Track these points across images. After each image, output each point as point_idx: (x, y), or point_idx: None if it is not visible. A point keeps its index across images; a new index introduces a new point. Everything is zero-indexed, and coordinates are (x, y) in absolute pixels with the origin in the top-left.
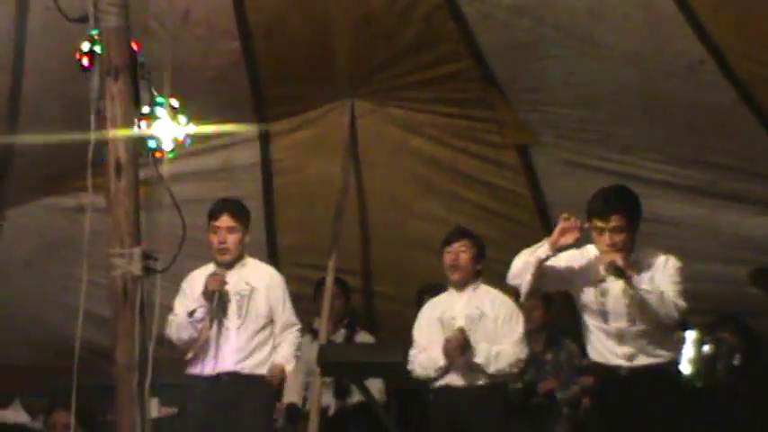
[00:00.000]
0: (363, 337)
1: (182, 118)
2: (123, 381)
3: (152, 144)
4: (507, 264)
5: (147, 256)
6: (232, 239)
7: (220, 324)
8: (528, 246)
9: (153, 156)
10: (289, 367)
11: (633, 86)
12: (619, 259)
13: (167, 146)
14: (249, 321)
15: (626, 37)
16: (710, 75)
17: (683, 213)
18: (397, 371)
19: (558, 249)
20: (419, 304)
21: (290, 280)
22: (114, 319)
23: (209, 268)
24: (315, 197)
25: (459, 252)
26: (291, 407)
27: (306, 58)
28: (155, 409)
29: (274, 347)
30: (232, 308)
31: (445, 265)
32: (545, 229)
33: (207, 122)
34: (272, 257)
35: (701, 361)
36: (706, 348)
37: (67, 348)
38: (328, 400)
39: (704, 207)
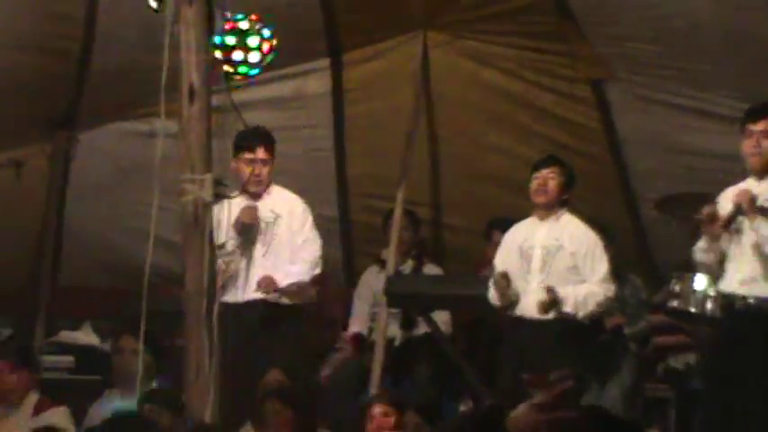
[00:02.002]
0: (431, 269)
1: (254, 40)
2: (192, 305)
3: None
4: (576, 197)
5: (217, 183)
6: (266, 171)
7: (249, 254)
8: (599, 180)
9: (226, 81)
10: (284, 283)
11: (710, 21)
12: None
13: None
14: (273, 248)
15: None
16: None
17: None
18: (464, 303)
19: None
20: (488, 238)
21: (358, 210)
22: (184, 244)
23: (237, 200)
24: (386, 128)
25: (548, 178)
26: (357, 336)
27: None
28: None
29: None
30: (259, 237)
31: (531, 191)
32: (616, 164)
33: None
34: (341, 187)
35: None
36: None
37: (139, 273)
38: (394, 330)
39: None
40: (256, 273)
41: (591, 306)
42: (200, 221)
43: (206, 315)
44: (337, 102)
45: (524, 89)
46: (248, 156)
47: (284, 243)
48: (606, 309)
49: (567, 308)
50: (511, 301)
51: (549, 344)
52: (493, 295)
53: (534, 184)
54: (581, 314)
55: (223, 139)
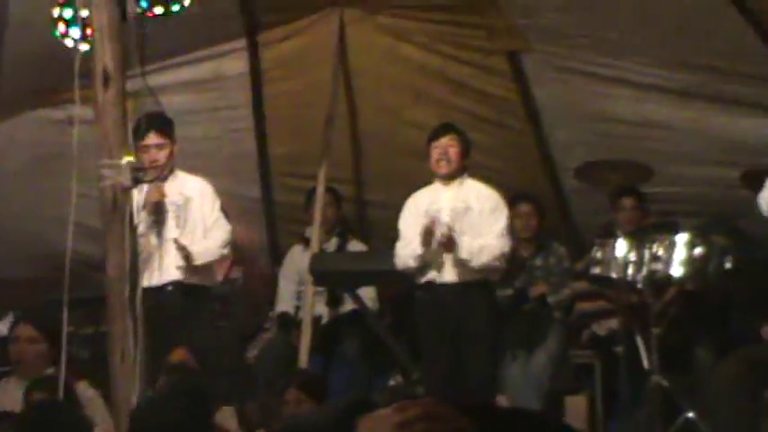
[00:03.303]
0: (355, 246)
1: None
2: (115, 291)
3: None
4: (498, 170)
5: (135, 167)
6: (163, 155)
7: (160, 236)
8: (518, 151)
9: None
10: (195, 257)
11: None
12: None
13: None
14: (188, 230)
15: None
16: None
17: (674, 117)
18: (389, 278)
19: None
20: None
21: (281, 189)
22: (105, 230)
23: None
24: (305, 107)
25: (447, 147)
26: (283, 316)
27: None
28: None
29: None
30: (170, 219)
31: (432, 160)
32: (535, 135)
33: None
34: (263, 167)
35: (692, 264)
36: (697, 251)
37: (62, 261)
38: (321, 308)
39: (694, 110)
40: (172, 256)
41: (486, 257)
42: (119, 207)
43: (129, 300)
44: (255, 82)
45: (441, 63)
46: (141, 143)
47: (198, 224)
48: (501, 263)
49: (464, 254)
50: (425, 260)
51: (466, 306)
52: (406, 255)
53: (435, 154)
54: (476, 263)
55: None
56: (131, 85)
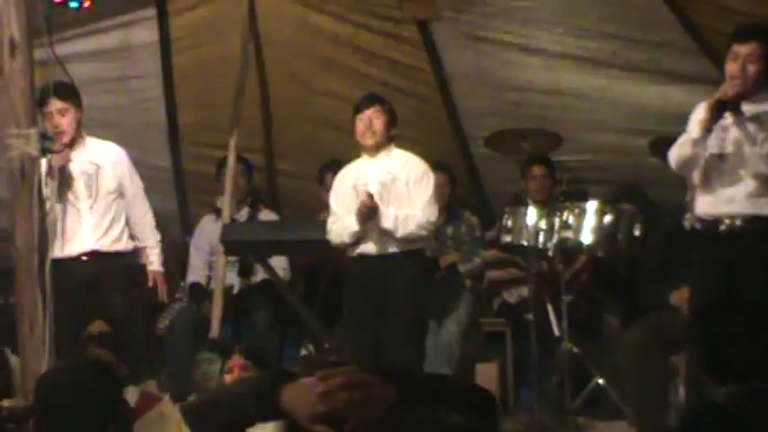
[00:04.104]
0: (266, 215)
1: None
2: (23, 261)
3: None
4: (410, 139)
5: (43, 137)
6: (66, 121)
7: (68, 206)
8: (430, 121)
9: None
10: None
11: None
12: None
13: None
14: (100, 199)
15: None
16: None
17: (583, 85)
18: (301, 248)
19: (708, 130)
20: (321, 181)
21: (191, 159)
22: (12, 200)
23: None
24: (215, 76)
25: (372, 118)
26: (195, 286)
27: None
28: None
29: (132, 227)
30: (80, 188)
31: (358, 132)
32: (445, 104)
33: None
34: (173, 137)
35: (601, 231)
36: (607, 219)
37: None
38: (232, 278)
39: (604, 78)
40: (85, 226)
41: (411, 226)
42: (27, 176)
43: (38, 270)
44: (165, 51)
45: (352, 32)
46: (44, 110)
47: (111, 192)
48: (427, 232)
49: (388, 224)
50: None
51: (393, 277)
52: (340, 230)
53: (360, 126)
54: (400, 232)
55: None
56: (39, 55)
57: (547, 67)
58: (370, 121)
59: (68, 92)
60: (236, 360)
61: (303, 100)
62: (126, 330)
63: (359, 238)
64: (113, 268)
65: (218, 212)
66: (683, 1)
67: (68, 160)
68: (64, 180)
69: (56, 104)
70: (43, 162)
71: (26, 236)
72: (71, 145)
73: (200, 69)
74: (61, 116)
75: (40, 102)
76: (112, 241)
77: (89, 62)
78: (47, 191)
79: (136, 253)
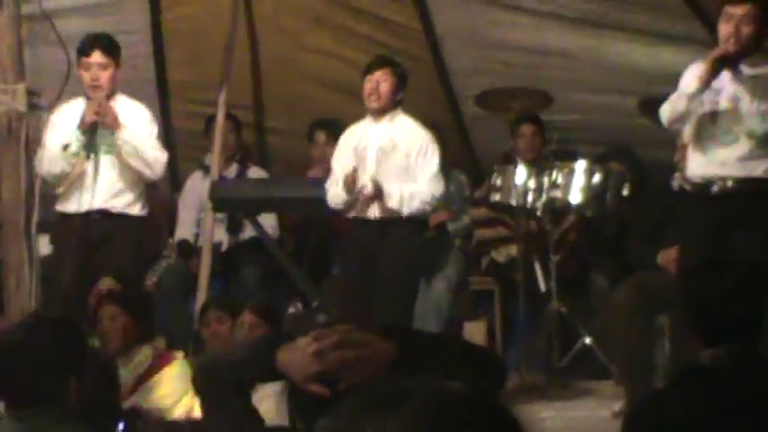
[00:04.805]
0: (255, 173)
1: None
2: (10, 218)
3: None
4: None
5: (31, 93)
6: (105, 76)
7: (95, 159)
8: (419, 80)
9: None
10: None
11: None
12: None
13: None
14: (121, 157)
15: None
16: None
17: (572, 45)
18: (289, 206)
19: (707, 84)
20: (311, 139)
21: (180, 116)
22: None
23: (80, 102)
24: (204, 32)
25: (380, 80)
26: (183, 242)
27: None
28: (44, 246)
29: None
30: (108, 143)
31: (365, 94)
32: (436, 63)
33: None
34: (162, 93)
35: (590, 191)
36: (596, 178)
37: None
38: (221, 235)
39: (593, 38)
40: (103, 182)
41: (416, 204)
42: (14, 132)
43: (24, 227)
44: (154, 7)
45: None
46: (84, 60)
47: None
48: (433, 207)
49: (393, 203)
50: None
51: (390, 239)
52: (335, 196)
53: (367, 88)
54: (406, 211)
55: (35, 48)
56: (26, 9)
57: (536, 26)
58: (377, 84)
59: (113, 47)
60: (247, 317)
61: (292, 57)
62: (136, 288)
63: (350, 205)
64: (125, 226)
65: (206, 170)
66: None
67: (98, 116)
68: (90, 132)
69: (98, 57)
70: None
71: (13, 192)
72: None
73: (190, 25)
74: (101, 70)
75: (81, 50)
76: (126, 204)
77: (76, 17)
78: (76, 143)
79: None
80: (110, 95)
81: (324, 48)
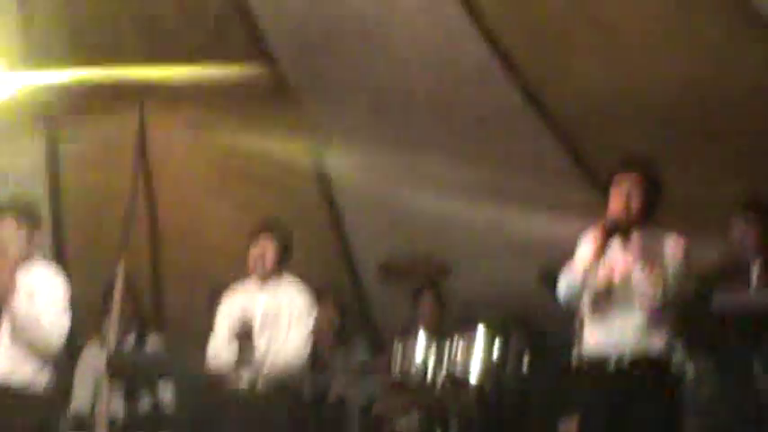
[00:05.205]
0: (153, 340)
1: None
2: None
3: None
4: (300, 264)
5: None
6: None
7: None
8: (320, 246)
9: None
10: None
11: (424, 90)
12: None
13: None
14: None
15: (416, 42)
16: (498, 77)
17: (472, 213)
18: (187, 375)
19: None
20: (210, 309)
21: (77, 282)
22: None
23: None
24: (104, 200)
25: (266, 246)
26: (78, 415)
27: (96, 59)
28: None
29: None
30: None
31: (250, 260)
32: (337, 235)
33: None
34: (59, 260)
35: (490, 363)
36: (495, 349)
37: None
38: (118, 404)
39: (492, 207)
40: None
41: (281, 361)
42: None
43: None
44: (53, 174)
45: (244, 160)
46: None
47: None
48: (298, 369)
49: (257, 357)
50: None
51: (264, 413)
52: (212, 357)
53: (253, 253)
54: (269, 369)
55: None
56: None
57: (436, 195)
58: (264, 250)
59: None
60: None
61: (192, 225)
62: None
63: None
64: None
65: (103, 338)
66: (572, 136)
67: None
68: None
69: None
70: None
71: None
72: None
73: (90, 193)
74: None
75: None
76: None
77: None
78: None
79: None
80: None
81: (224, 217)
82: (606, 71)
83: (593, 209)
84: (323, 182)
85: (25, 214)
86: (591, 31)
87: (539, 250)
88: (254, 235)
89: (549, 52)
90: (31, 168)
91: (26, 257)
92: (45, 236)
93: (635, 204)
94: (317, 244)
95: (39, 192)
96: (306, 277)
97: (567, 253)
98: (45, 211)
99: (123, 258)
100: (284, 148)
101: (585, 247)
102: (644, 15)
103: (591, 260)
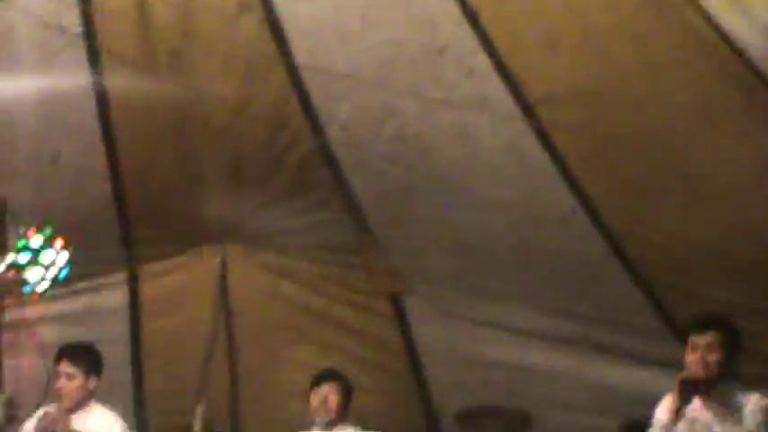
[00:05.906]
0: None
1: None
2: None
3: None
4: (377, 412)
5: (9, 404)
6: (70, 386)
7: None
8: (398, 394)
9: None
10: None
11: (505, 236)
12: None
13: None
14: None
15: (498, 186)
16: (582, 226)
17: (553, 364)
18: None
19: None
20: None
21: (156, 426)
22: None
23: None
24: (184, 342)
25: (328, 394)
26: None
27: (177, 201)
28: None
29: None
30: None
31: (312, 408)
32: (415, 378)
33: (75, 264)
34: (138, 402)
35: None
36: None
37: None
38: None
39: (573, 358)
40: None
41: None
42: None
43: None
44: (134, 316)
45: (324, 303)
46: (56, 369)
47: None
48: None
49: None
50: None
51: None
52: None
53: (315, 401)
54: None
55: (15, 356)
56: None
57: (517, 344)
58: (325, 397)
59: (83, 356)
60: None
61: (271, 369)
62: None
63: None
64: None
65: None
66: (655, 286)
67: (51, 426)
68: None
69: (65, 367)
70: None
71: None
72: (72, 410)
73: (169, 335)
74: (68, 380)
75: (55, 359)
76: None
77: (56, 325)
78: None
79: None
80: (77, 406)
81: (303, 360)
82: (692, 221)
83: (676, 361)
84: (402, 325)
85: (79, 358)
86: (678, 181)
87: (620, 403)
88: (315, 382)
89: (633, 201)
90: (111, 310)
91: (82, 402)
92: (124, 376)
93: (712, 363)
94: (395, 388)
95: (119, 334)
96: (384, 422)
97: (650, 406)
98: (125, 353)
99: (203, 402)
100: (364, 291)
101: (663, 408)
102: (735, 163)
103: (670, 417)
